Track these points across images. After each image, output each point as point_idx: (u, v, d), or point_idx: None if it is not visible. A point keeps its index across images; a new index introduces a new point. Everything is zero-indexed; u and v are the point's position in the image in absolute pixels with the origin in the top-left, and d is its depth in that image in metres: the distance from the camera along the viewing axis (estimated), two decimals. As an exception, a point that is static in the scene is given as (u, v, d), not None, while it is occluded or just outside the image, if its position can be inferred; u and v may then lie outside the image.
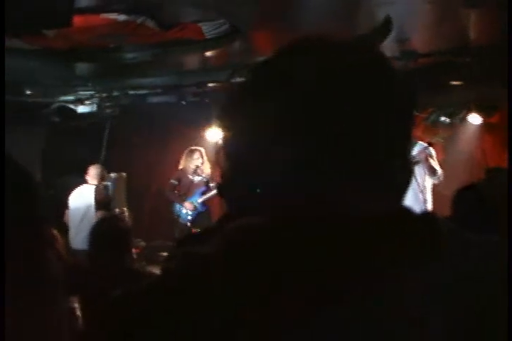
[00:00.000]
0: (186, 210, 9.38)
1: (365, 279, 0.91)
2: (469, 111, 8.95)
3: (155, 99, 9.69)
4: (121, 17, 6.30)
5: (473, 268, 0.95)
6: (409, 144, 1.05)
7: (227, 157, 1.03)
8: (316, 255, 0.92)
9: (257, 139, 0.98)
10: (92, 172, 8.76)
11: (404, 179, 1.03)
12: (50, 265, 1.32)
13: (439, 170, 8.20)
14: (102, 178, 8.77)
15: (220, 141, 1.05)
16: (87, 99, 9.56)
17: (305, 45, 1.04)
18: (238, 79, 8.19)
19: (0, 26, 3.64)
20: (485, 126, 9.12)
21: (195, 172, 9.47)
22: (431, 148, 8.20)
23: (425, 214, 1.00)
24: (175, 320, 0.91)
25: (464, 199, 3.58)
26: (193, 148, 9.62)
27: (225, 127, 1.05)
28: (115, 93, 9.41)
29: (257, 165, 0.98)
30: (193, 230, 8.85)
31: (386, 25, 6.45)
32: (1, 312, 1.02)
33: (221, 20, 6.72)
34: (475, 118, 8.98)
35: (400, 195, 1.02)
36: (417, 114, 9.03)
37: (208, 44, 7.28)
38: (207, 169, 9.46)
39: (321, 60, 0.99)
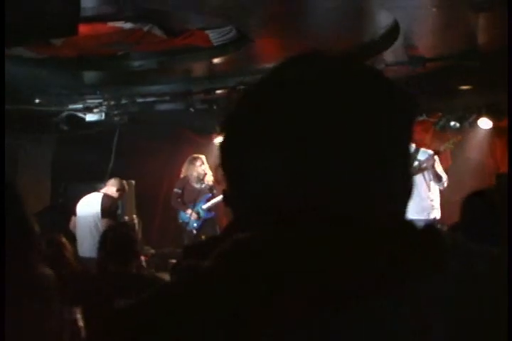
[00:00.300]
0: (192, 218, 9.41)
1: (367, 292, 0.90)
2: (479, 115, 8.92)
3: (163, 107, 9.69)
4: (128, 25, 6.32)
5: (477, 281, 0.94)
6: (410, 154, 1.04)
7: (230, 166, 1.03)
8: (315, 268, 0.91)
9: (259, 148, 0.98)
10: (111, 183, 8.73)
11: (406, 189, 1.02)
12: (45, 276, 1.30)
13: (445, 177, 8.22)
14: (120, 190, 8.73)
15: (223, 149, 1.04)
16: (96, 107, 9.56)
17: (305, 59, 1.04)
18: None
19: (0, 33, 3.63)
20: (495, 131, 9.08)
21: (199, 180, 9.50)
22: (436, 156, 8.22)
23: (429, 226, 0.99)
24: (174, 333, 0.92)
25: (474, 205, 3.55)
26: (194, 155, 9.66)
27: (227, 136, 1.04)
28: (123, 101, 9.41)
29: (260, 174, 0.98)
30: (202, 237, 8.87)
31: (393, 31, 6.43)
32: (1, 312, 1.01)
33: (228, 27, 6.72)
34: (485, 123, 8.95)
35: (403, 205, 1.01)
36: (426, 119, 9.09)
37: (216, 51, 7.29)
38: (209, 176, 9.47)
39: (321, 73, 1.00)
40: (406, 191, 1.02)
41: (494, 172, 8.55)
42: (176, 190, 9.69)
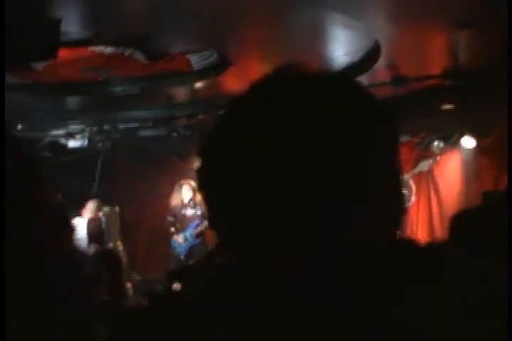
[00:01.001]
0: (179, 244, 9.43)
1: (365, 313, 0.87)
2: (463, 134, 8.95)
3: (146, 132, 9.70)
4: (109, 49, 6.30)
5: (477, 296, 0.92)
6: (399, 174, 1.01)
7: (210, 191, 1.00)
8: (313, 294, 0.89)
9: (238, 173, 0.94)
10: (90, 207, 8.78)
11: (399, 210, 1.00)
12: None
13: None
14: (98, 212, 8.78)
15: (202, 174, 1.01)
16: (78, 133, 9.54)
17: (284, 77, 1.00)
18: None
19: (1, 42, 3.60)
20: (479, 149, 9.10)
21: (186, 206, 9.53)
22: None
23: (427, 245, 0.98)
24: None
25: (461, 224, 3.53)
26: (182, 181, 9.70)
27: (205, 160, 1.01)
28: (106, 127, 9.40)
29: (242, 198, 0.94)
30: (190, 263, 8.86)
31: (375, 51, 6.45)
32: (1, 312, 0.99)
33: (209, 51, 6.72)
34: (469, 142, 8.97)
35: (397, 226, 0.99)
36: (410, 139, 9.12)
37: (197, 75, 7.29)
38: (200, 201, 9.47)
39: (301, 92, 0.95)
40: (399, 211, 0.99)
41: (480, 190, 8.56)
42: (168, 218, 9.74)
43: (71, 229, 1.16)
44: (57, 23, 3.96)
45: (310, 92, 0.94)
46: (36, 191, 1.11)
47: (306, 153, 0.90)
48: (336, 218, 0.90)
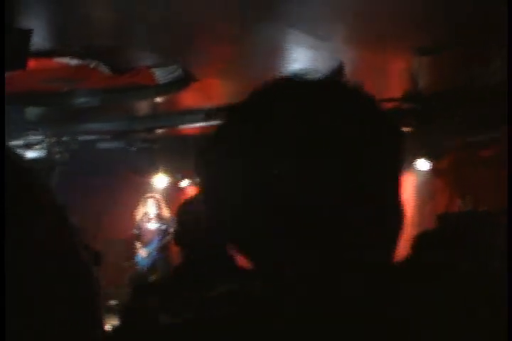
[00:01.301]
0: (143, 258, 9.37)
1: (365, 313, 0.89)
2: (418, 156, 9.05)
3: (104, 145, 9.63)
4: (74, 61, 6.27)
5: (477, 296, 0.93)
6: (400, 177, 1.02)
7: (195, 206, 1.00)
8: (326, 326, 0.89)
9: (235, 179, 0.95)
10: None
11: (399, 212, 1.01)
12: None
13: None
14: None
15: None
16: (37, 143, 9.44)
17: (280, 88, 1.01)
18: (189, 125, 8.21)
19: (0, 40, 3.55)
20: (434, 172, 9.22)
21: (150, 220, 9.48)
22: None
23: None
24: None
25: (419, 247, 3.55)
26: (148, 195, 9.65)
27: (198, 174, 1.02)
28: (64, 138, 9.32)
29: (230, 216, 0.96)
30: (152, 277, 8.79)
31: (339, 72, 6.52)
32: (1, 311, 1.00)
33: (174, 66, 6.73)
34: (423, 164, 9.08)
35: (397, 228, 1.00)
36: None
37: (160, 89, 7.27)
38: (165, 216, 9.43)
39: (298, 101, 0.97)
40: (400, 213, 1.00)
41: (434, 213, 8.66)
42: (134, 230, 9.68)
43: (71, 229, 1.17)
44: (28, 34, 3.95)
45: (302, 95, 0.97)
46: (37, 191, 1.12)
47: (303, 157, 0.91)
48: (333, 221, 0.91)
